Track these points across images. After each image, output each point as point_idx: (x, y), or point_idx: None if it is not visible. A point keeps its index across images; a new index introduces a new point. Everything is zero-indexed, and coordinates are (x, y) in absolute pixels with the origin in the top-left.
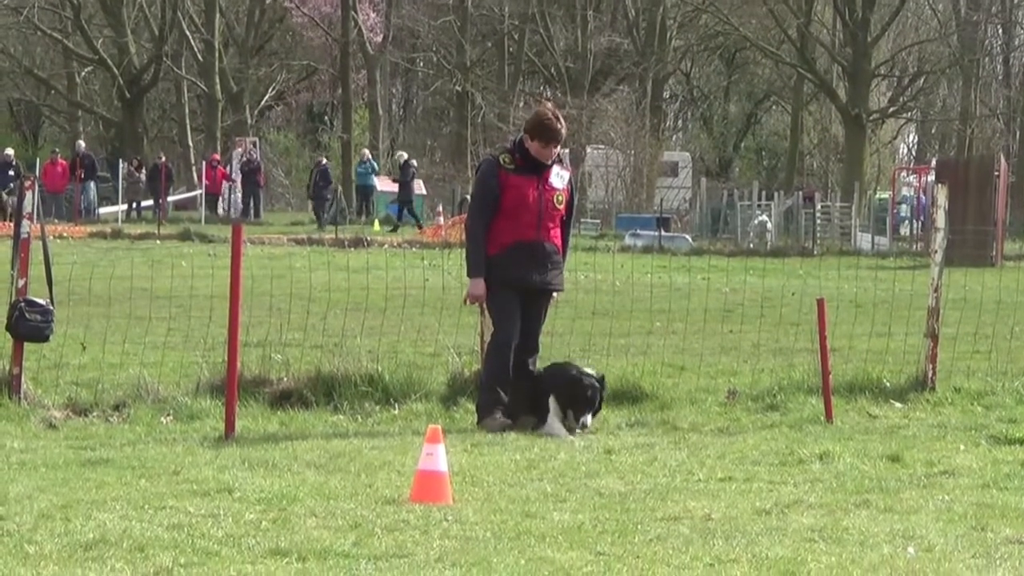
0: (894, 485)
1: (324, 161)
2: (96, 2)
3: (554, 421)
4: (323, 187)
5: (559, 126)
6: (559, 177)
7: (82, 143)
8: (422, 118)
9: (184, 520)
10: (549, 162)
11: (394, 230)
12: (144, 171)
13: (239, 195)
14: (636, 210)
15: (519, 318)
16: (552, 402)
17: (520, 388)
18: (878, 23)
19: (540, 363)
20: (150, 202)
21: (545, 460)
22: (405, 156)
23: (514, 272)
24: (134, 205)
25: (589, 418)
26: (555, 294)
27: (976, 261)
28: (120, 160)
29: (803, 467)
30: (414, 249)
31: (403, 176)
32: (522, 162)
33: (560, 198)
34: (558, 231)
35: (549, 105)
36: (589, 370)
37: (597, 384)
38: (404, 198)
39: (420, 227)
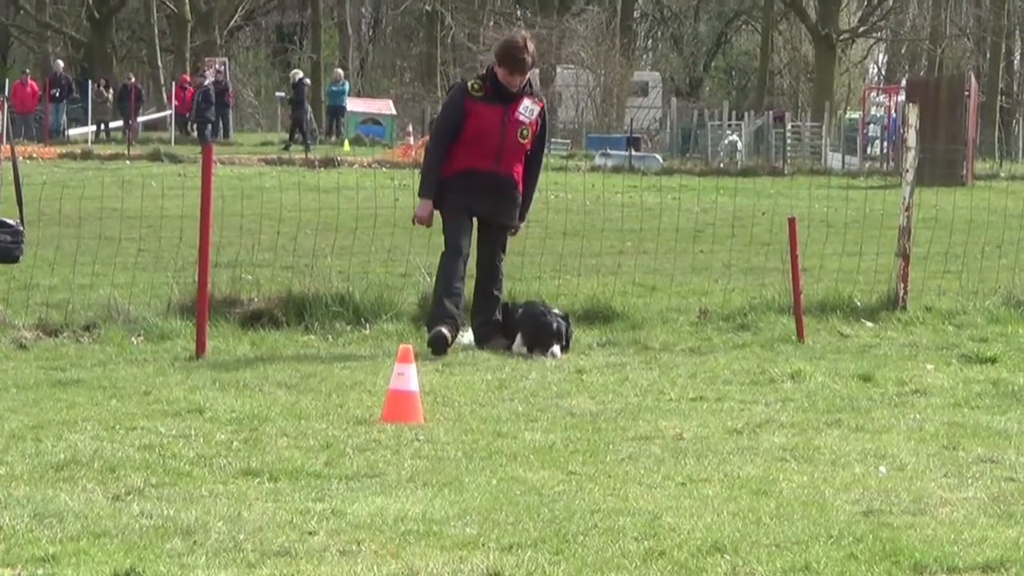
0: (865, 404)
1: (207, 82)
2: None
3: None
4: (204, 108)
5: (525, 56)
6: (528, 111)
7: (61, 63)
8: (391, 38)
9: (155, 440)
10: (516, 90)
11: (287, 148)
12: (112, 91)
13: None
14: (606, 130)
15: (469, 232)
16: (519, 338)
17: (489, 311)
18: None
19: (510, 283)
20: (119, 123)
21: (516, 380)
22: (300, 74)
23: (462, 198)
24: (102, 126)
25: (557, 349)
26: (513, 229)
27: (947, 180)
28: (89, 81)
29: (774, 386)
30: (384, 169)
31: (297, 95)
32: (491, 90)
33: (525, 132)
34: (520, 166)
35: (523, 32)
36: (556, 310)
37: (562, 320)
38: (297, 117)
39: (308, 149)
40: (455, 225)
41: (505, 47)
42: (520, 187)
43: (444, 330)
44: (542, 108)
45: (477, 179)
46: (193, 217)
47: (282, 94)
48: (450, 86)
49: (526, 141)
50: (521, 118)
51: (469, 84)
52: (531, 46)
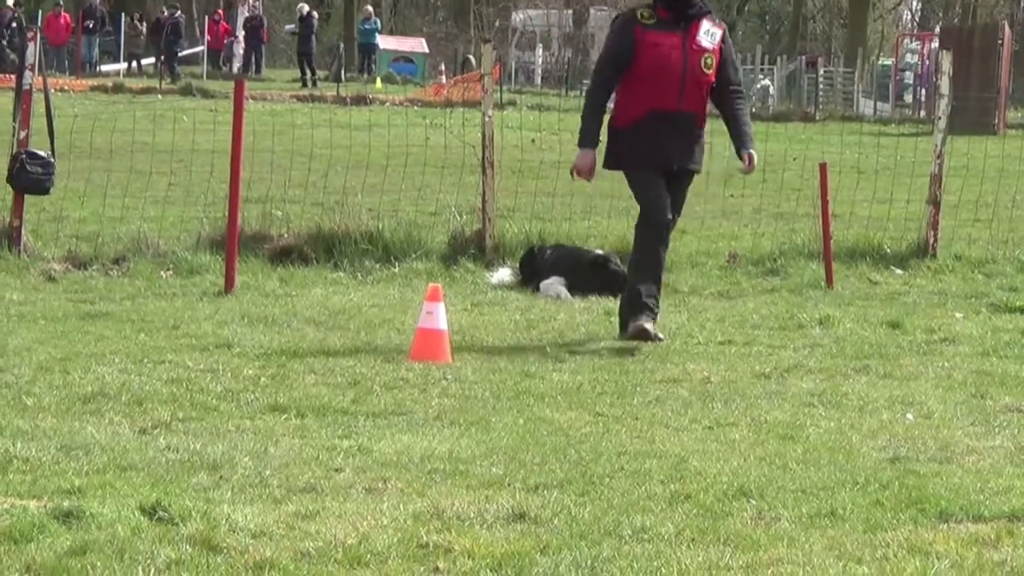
0: (894, 351)
1: (178, 13)
2: None
3: (555, 282)
4: (174, 40)
5: None
6: (709, 34)
7: None
8: None
9: (183, 375)
10: None
11: (305, 84)
12: (145, 24)
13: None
14: None
15: (667, 196)
16: (554, 280)
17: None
18: None
19: (539, 223)
20: (151, 59)
21: (545, 321)
22: (307, 8)
23: (650, 148)
24: (134, 63)
25: None
26: (749, 162)
27: (979, 129)
28: (123, 14)
29: (803, 332)
30: (416, 107)
31: (305, 29)
32: (665, 13)
33: (709, 61)
34: (704, 103)
35: None
36: (598, 251)
37: (618, 261)
38: (304, 50)
39: (314, 83)
40: (648, 189)
41: None
42: (703, 127)
43: (646, 325)
44: (723, 31)
45: (664, 122)
46: (224, 152)
47: (292, 27)
48: (613, 18)
49: (710, 72)
50: (704, 43)
51: (638, 12)
52: None
